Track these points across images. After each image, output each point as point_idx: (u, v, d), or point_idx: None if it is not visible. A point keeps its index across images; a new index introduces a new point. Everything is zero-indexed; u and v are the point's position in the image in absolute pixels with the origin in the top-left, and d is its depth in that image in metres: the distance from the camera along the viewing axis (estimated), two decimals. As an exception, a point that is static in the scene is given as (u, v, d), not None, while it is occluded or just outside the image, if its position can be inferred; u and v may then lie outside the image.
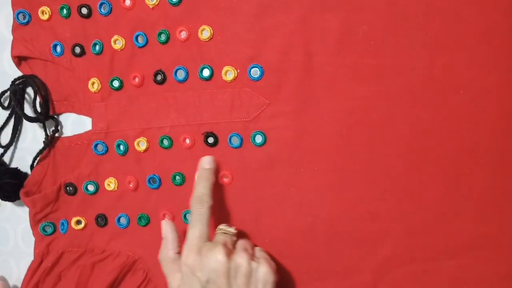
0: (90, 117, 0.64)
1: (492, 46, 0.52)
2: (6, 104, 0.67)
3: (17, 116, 0.67)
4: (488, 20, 0.52)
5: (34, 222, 0.66)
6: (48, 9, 0.63)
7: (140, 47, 0.61)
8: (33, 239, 0.67)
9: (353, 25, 0.55)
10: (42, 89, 0.64)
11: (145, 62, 0.61)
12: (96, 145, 0.64)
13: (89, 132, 0.65)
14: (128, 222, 0.64)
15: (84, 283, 0.64)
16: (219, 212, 0.61)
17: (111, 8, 0.61)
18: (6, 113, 0.67)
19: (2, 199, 0.66)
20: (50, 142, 0.65)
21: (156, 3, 0.59)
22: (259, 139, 0.59)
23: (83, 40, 0.63)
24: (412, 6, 0.53)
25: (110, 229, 0.65)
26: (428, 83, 0.54)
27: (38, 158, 0.66)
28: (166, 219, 0.61)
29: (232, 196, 0.60)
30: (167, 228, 0.58)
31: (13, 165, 0.69)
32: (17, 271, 0.70)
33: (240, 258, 0.50)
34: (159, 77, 0.61)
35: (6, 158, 0.69)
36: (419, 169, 0.55)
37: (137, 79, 0.62)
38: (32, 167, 0.66)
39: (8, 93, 0.66)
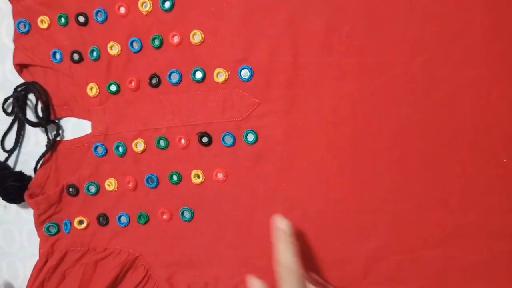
0: (89, 120, 0.67)
1: (468, 42, 0.54)
2: (9, 110, 0.70)
3: (20, 121, 0.70)
4: (465, 18, 0.54)
5: (39, 223, 0.68)
6: (47, 18, 0.65)
7: (135, 52, 0.64)
8: (38, 240, 0.69)
9: (336, 25, 0.57)
10: (43, 95, 0.67)
11: (140, 66, 0.64)
12: (96, 148, 0.66)
13: (88, 135, 0.67)
14: (128, 221, 0.67)
15: (88, 280, 0.67)
16: (215, 209, 0.63)
17: (106, 15, 0.64)
18: (9, 119, 0.70)
19: (7, 202, 0.69)
20: (52, 145, 0.68)
21: (150, 10, 0.62)
22: (251, 137, 0.61)
23: (81, 47, 0.66)
24: (391, 5, 0.55)
25: (111, 228, 0.67)
26: (409, 79, 0.56)
27: (41, 161, 0.69)
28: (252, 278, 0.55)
29: (227, 193, 0.63)
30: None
31: (17, 169, 0.71)
32: (23, 271, 0.72)
33: None
34: (154, 81, 0.64)
35: (10, 162, 0.71)
36: (403, 162, 0.57)
37: (133, 83, 0.64)
38: (35, 170, 0.69)
39: (11, 99, 0.69)
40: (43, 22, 0.66)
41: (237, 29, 0.60)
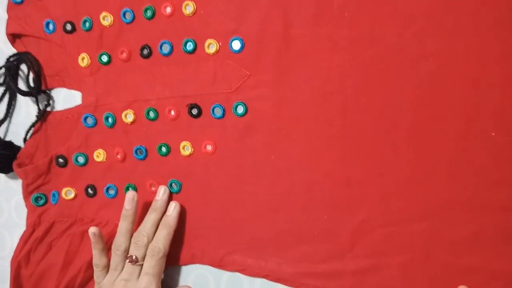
0: (80, 91, 0.67)
1: (460, 14, 0.54)
2: (1, 80, 0.70)
3: (12, 92, 0.70)
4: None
5: (27, 193, 0.68)
6: (41, -13, 0.66)
7: (127, 23, 0.64)
8: (25, 211, 0.69)
9: (328, -3, 0.57)
10: (35, 65, 0.67)
11: (132, 37, 0.64)
12: (85, 118, 0.66)
13: (79, 106, 0.67)
14: (116, 192, 0.66)
15: (74, 251, 0.67)
16: (203, 181, 0.63)
17: (100, -14, 0.64)
18: (0, 90, 0.70)
19: (-4, 171, 0.69)
20: (42, 115, 0.68)
21: (143, -20, 0.62)
22: (240, 109, 0.61)
23: (74, 18, 0.66)
24: (383, -23, 0.56)
25: (99, 199, 0.67)
26: (400, 51, 0.56)
27: (30, 132, 0.68)
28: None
29: (215, 164, 0.63)
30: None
31: (7, 140, 0.71)
32: (11, 242, 0.72)
33: None
34: (145, 52, 0.64)
35: (0, 133, 0.71)
36: (391, 134, 0.57)
37: (124, 54, 0.64)
38: (25, 140, 0.69)
39: (3, 69, 0.69)
40: (37, -9, 0.66)
41: (228, 0, 0.60)
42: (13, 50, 0.69)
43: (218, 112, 0.62)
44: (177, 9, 0.62)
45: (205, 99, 0.62)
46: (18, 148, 0.69)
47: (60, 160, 0.67)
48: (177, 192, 0.64)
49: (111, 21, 0.64)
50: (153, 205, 0.62)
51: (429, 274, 0.56)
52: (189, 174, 0.63)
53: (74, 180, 0.67)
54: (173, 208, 0.61)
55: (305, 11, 0.58)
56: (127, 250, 0.60)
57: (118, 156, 0.65)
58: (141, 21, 0.63)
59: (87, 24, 0.65)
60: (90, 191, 0.67)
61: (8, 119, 0.71)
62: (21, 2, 0.67)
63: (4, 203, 0.72)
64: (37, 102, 0.68)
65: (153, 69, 0.64)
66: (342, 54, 0.58)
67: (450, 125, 0.56)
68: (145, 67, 0.64)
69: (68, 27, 0.66)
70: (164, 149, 0.64)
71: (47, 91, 0.69)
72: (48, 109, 0.68)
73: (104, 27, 0.65)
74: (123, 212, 0.60)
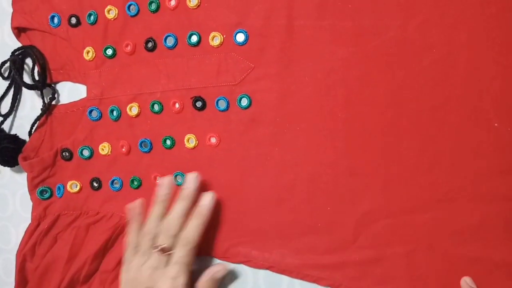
0: (85, 84, 0.68)
1: (463, 5, 0.55)
2: (6, 74, 0.70)
3: (17, 85, 0.70)
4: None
5: (32, 186, 0.69)
6: (46, -19, 0.66)
7: (132, 16, 0.64)
8: (31, 204, 0.70)
9: (331, -11, 0.58)
10: (40, 59, 0.68)
11: (136, 30, 0.65)
12: (90, 111, 0.67)
13: (84, 99, 0.68)
14: (121, 185, 0.67)
15: (79, 243, 0.67)
16: (208, 173, 0.63)
17: (104, -21, 0.64)
18: (5, 84, 0.71)
19: (1, 164, 0.69)
20: (48, 108, 0.68)
21: (147, -26, 0.63)
22: (244, 102, 0.62)
23: (79, 11, 0.66)
24: (386, -32, 0.56)
25: (104, 192, 0.67)
26: (403, 43, 0.56)
27: (36, 125, 0.69)
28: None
29: (219, 157, 0.63)
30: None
31: (12, 133, 0.71)
32: (16, 235, 0.73)
33: None
34: (150, 45, 0.64)
35: (5, 127, 0.72)
36: (394, 125, 0.57)
37: (129, 47, 0.65)
38: (30, 133, 0.69)
39: (8, 63, 0.69)
40: (42, -15, 0.67)
41: (233, -8, 0.60)
42: (18, 44, 0.70)
43: (222, 104, 0.62)
44: (181, 2, 0.62)
45: (209, 92, 0.63)
46: (23, 141, 0.70)
47: (65, 153, 0.68)
48: (182, 185, 0.64)
49: (115, 14, 0.65)
50: (183, 194, 0.60)
51: (433, 264, 0.56)
52: (194, 167, 0.63)
53: (79, 173, 0.68)
54: (208, 198, 0.59)
55: (308, 3, 0.59)
56: (158, 236, 0.59)
57: (123, 149, 0.66)
58: (145, 14, 0.64)
59: (92, 18, 0.65)
60: (95, 184, 0.67)
61: (13, 112, 0.71)
62: (26, -4, 0.68)
63: (9, 197, 0.73)
64: (42, 96, 0.69)
65: (157, 62, 0.64)
66: (346, 46, 0.58)
67: (453, 116, 0.56)
68: (149, 60, 0.64)
69: (73, 20, 0.66)
70: (168, 142, 0.64)
71: (52, 85, 0.69)
72: (53, 102, 0.68)
73: (109, 20, 0.65)
74: (158, 197, 0.60)
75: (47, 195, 0.68)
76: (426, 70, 0.56)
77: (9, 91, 0.71)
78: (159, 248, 0.57)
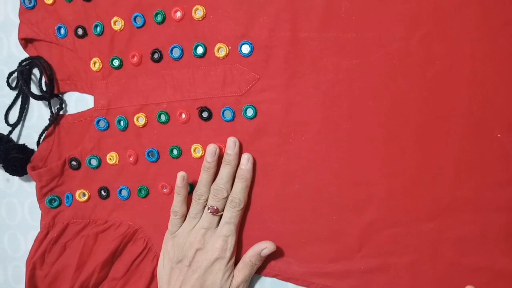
0: (92, 95, 0.68)
1: (466, 18, 0.55)
2: (13, 85, 0.71)
3: (24, 95, 0.71)
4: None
5: (41, 195, 0.70)
6: (52, -7, 0.67)
7: (138, 28, 0.65)
8: (39, 213, 0.70)
9: (335, 1, 0.58)
10: (47, 69, 0.68)
11: (143, 41, 0.65)
12: (98, 121, 0.68)
13: (91, 109, 0.68)
14: (129, 194, 0.68)
15: (88, 252, 0.68)
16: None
17: (111, -9, 0.65)
18: (13, 94, 0.71)
19: (10, 174, 0.70)
20: (55, 119, 0.69)
21: (153, -14, 0.63)
22: (250, 112, 0.62)
23: (85, 22, 0.67)
24: (390, -18, 0.57)
25: (112, 201, 0.68)
26: (406, 55, 0.57)
27: (44, 135, 0.70)
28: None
29: (225, 166, 0.64)
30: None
31: (20, 143, 0.72)
32: (25, 243, 0.74)
33: None
34: (156, 56, 0.65)
35: (13, 136, 0.72)
36: (398, 136, 0.58)
37: (135, 58, 0.65)
38: (38, 143, 0.70)
39: (16, 74, 0.70)
40: (49, -3, 0.67)
41: (238, 4, 0.61)
42: (25, 55, 0.71)
43: (228, 115, 0.63)
44: (187, 13, 0.63)
45: (215, 102, 0.63)
46: (32, 151, 0.71)
47: (73, 162, 0.68)
48: (189, 194, 0.65)
49: (122, 25, 0.65)
50: (226, 159, 0.62)
51: (436, 274, 0.57)
52: (200, 176, 0.64)
53: (87, 183, 0.69)
54: (247, 161, 0.62)
55: (313, 15, 0.59)
56: (207, 200, 0.62)
57: (131, 159, 0.67)
58: (151, 25, 0.64)
59: (98, 29, 0.66)
60: (103, 193, 0.68)
61: (21, 122, 0.72)
62: (33, 7, 0.68)
63: (18, 205, 0.74)
64: (49, 106, 0.69)
65: (164, 73, 0.65)
66: (350, 57, 0.59)
67: (456, 127, 0.57)
68: (156, 71, 0.65)
69: (80, 31, 0.67)
70: (175, 152, 0.65)
71: (60, 95, 0.70)
72: (61, 112, 0.69)
73: (115, 31, 0.66)
74: (205, 164, 0.62)
75: (56, 204, 0.69)
76: (429, 81, 0.57)
77: (17, 101, 0.72)
78: (213, 208, 0.60)
